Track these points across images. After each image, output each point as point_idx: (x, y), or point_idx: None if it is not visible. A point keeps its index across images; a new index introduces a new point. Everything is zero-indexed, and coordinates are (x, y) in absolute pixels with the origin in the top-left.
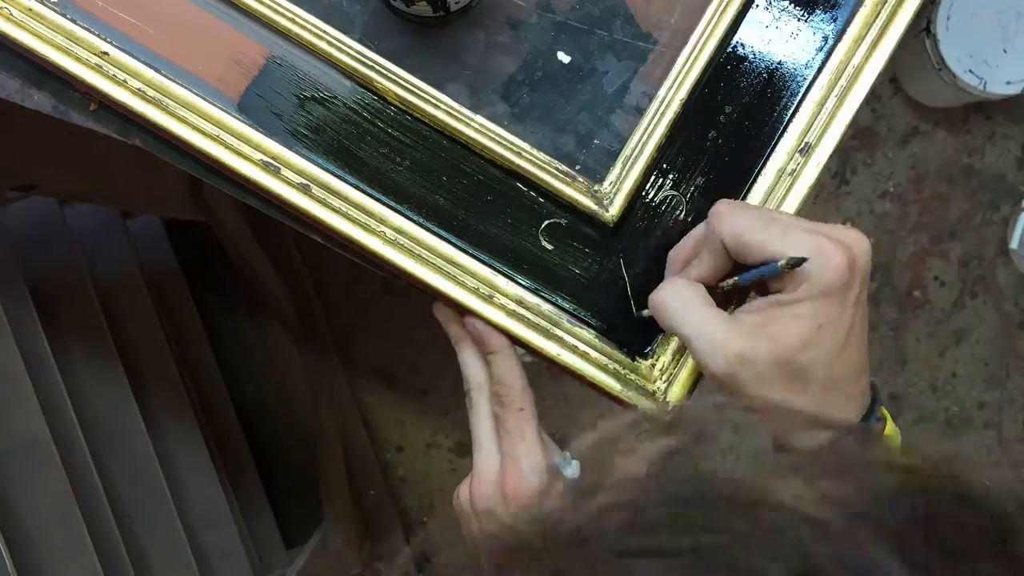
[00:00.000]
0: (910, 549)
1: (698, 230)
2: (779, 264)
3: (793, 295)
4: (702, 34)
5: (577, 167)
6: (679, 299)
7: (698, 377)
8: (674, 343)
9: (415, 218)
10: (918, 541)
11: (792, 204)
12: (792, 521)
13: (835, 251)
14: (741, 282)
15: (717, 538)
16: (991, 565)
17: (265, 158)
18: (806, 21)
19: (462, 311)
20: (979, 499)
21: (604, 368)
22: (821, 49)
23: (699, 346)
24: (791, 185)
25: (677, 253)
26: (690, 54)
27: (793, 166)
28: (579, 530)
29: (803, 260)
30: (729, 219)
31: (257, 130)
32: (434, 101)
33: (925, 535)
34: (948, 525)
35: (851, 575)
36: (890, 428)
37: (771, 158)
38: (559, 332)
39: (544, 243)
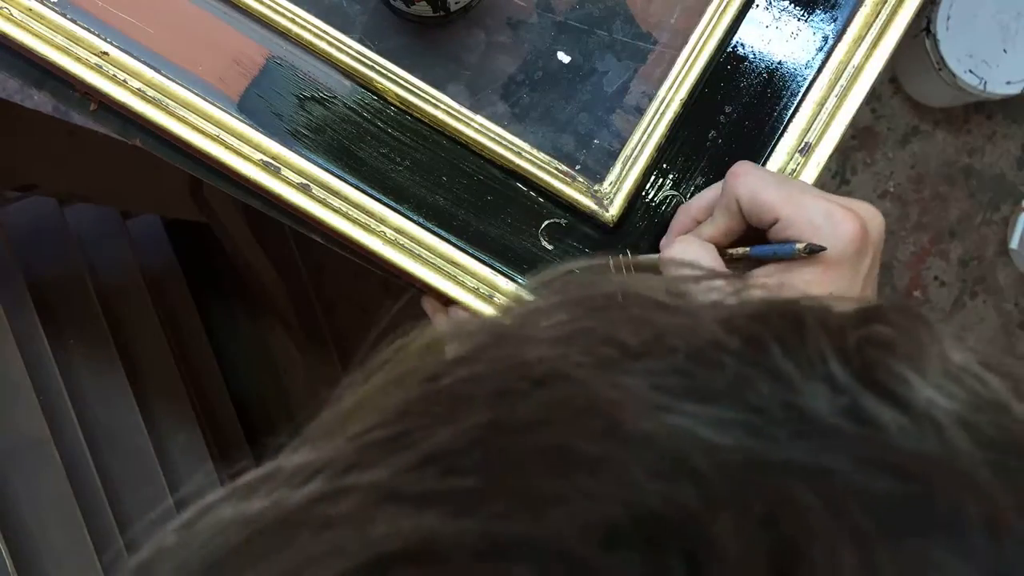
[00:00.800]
0: (733, 322)
1: (713, 189)
2: (796, 248)
3: (804, 261)
4: (702, 34)
5: (577, 167)
6: (690, 259)
7: None
8: None
9: (415, 218)
10: (743, 318)
11: None
12: (649, 308)
13: (846, 218)
14: (752, 255)
15: (587, 323)
16: (790, 340)
17: (265, 158)
18: (806, 21)
19: (447, 301)
20: (819, 310)
21: None
22: (821, 49)
23: None
24: None
25: (689, 207)
26: (690, 54)
27: (793, 166)
28: (505, 325)
29: (822, 248)
30: (746, 178)
31: (257, 130)
32: (434, 101)
33: (752, 315)
34: (777, 316)
35: (681, 339)
36: None
37: (771, 158)
38: None
39: (544, 243)
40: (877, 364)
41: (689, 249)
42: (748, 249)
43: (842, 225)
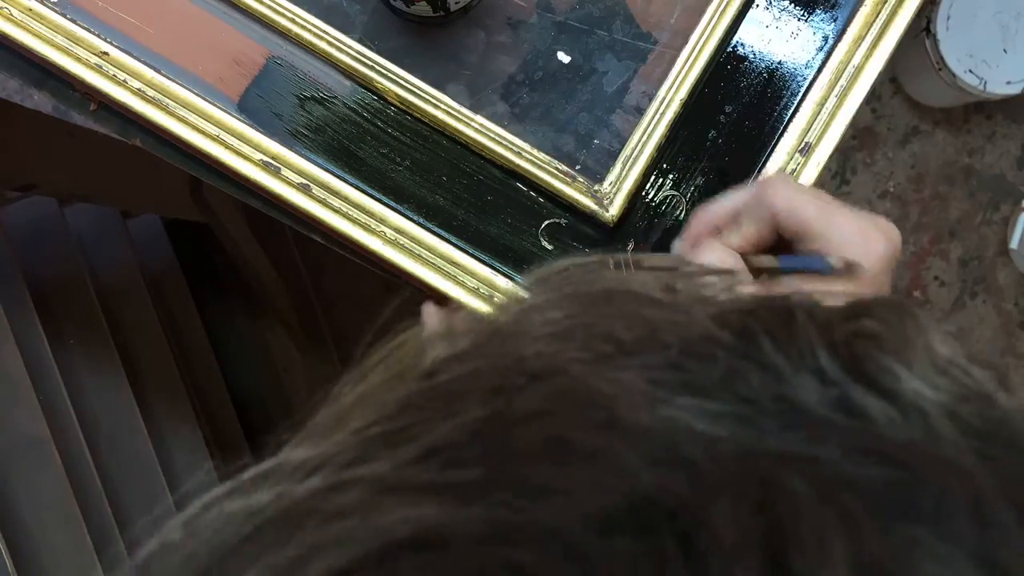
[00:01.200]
0: (725, 317)
1: (733, 198)
2: (832, 263)
3: (836, 277)
4: (702, 34)
5: (577, 167)
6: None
7: None
8: None
9: (415, 218)
10: (734, 313)
11: None
12: (643, 304)
13: (879, 239)
14: (781, 266)
15: (582, 319)
16: (780, 334)
17: (265, 158)
18: (806, 21)
19: (445, 302)
20: (808, 305)
21: None
22: (821, 49)
23: None
24: None
25: (710, 213)
26: (690, 54)
27: (793, 166)
28: (501, 322)
29: (859, 265)
30: (785, 191)
31: (257, 130)
32: (434, 101)
33: (743, 310)
34: (767, 311)
35: (675, 335)
36: None
37: (771, 158)
38: None
39: (544, 243)
40: (865, 357)
41: (714, 256)
42: (776, 259)
43: (876, 247)
